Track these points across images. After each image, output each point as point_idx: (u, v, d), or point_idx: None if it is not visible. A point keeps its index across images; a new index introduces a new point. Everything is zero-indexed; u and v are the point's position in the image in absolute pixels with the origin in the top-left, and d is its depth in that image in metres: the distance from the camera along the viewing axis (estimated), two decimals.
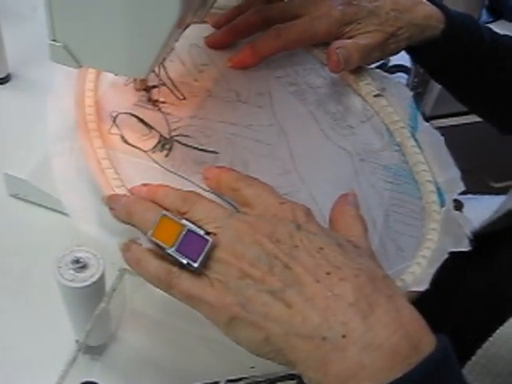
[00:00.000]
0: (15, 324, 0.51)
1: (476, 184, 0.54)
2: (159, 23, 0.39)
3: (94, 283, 0.43)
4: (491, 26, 1.05)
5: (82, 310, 0.46)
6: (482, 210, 0.89)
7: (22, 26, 0.79)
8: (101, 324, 0.44)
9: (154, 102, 0.51)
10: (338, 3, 0.57)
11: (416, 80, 1.10)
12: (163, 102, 0.51)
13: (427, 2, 0.60)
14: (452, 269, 0.44)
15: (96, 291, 0.44)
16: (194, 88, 0.53)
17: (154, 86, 0.52)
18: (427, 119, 1.26)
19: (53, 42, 0.42)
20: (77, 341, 0.48)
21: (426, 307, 0.40)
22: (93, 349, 0.48)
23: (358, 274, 0.34)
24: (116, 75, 0.49)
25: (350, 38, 0.56)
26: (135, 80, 0.51)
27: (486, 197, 1.00)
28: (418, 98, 1.13)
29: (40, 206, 0.59)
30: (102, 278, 0.44)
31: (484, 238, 0.52)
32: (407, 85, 0.96)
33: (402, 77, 0.95)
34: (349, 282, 0.34)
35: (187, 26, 0.47)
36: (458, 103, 0.69)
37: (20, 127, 0.65)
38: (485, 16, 1.21)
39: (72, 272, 0.43)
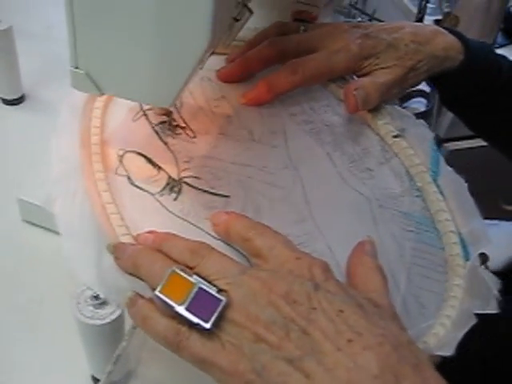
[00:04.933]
0: (29, 358, 0.49)
1: (489, 206, 0.52)
2: (188, 51, 0.38)
3: (113, 321, 0.41)
4: (506, 49, 1.03)
5: (100, 348, 0.44)
6: (505, 237, 0.86)
7: (37, 46, 0.78)
8: (121, 362, 0.42)
9: (175, 128, 0.49)
10: (356, 36, 0.54)
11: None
12: (183, 127, 0.49)
13: (446, 32, 0.58)
14: None
15: (116, 329, 0.43)
16: (205, 125, 0.51)
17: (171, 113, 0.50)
18: (441, 141, 1.24)
19: (74, 69, 0.41)
20: (93, 376, 0.47)
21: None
22: None
23: (381, 342, 0.32)
24: (131, 104, 0.48)
25: (368, 73, 0.54)
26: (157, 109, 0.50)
27: (504, 223, 0.97)
28: (433, 120, 1.11)
29: (55, 232, 0.56)
30: (122, 315, 0.42)
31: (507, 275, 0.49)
32: (427, 110, 0.93)
33: (421, 102, 0.92)
34: (372, 352, 0.31)
35: (212, 54, 0.45)
36: None
37: (34, 150, 0.62)
38: (500, 39, 1.19)
39: (91, 309, 0.42)
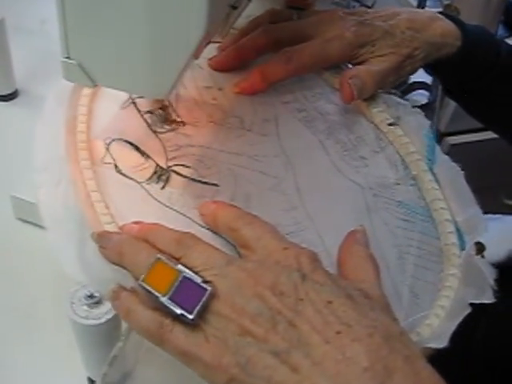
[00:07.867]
0: (23, 359, 0.48)
1: (490, 201, 0.51)
2: (182, 41, 0.36)
3: (109, 320, 0.40)
4: (507, 41, 1.02)
5: (96, 348, 0.43)
6: (506, 231, 0.85)
7: (30, 40, 0.77)
8: (117, 363, 0.41)
9: (172, 123, 0.48)
10: (351, 24, 0.53)
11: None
12: (181, 122, 0.48)
13: (443, 18, 0.57)
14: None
15: (111, 328, 0.41)
16: (195, 113, 0.50)
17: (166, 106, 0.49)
18: (443, 135, 1.22)
19: (66, 60, 0.40)
20: (89, 378, 0.46)
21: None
22: None
23: (371, 333, 0.31)
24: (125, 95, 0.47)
25: (363, 61, 0.53)
26: (150, 100, 0.48)
27: (506, 217, 0.96)
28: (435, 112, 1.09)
29: None
30: (117, 315, 0.41)
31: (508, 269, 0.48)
32: (430, 103, 0.91)
33: (423, 94, 0.91)
34: (362, 343, 0.30)
35: (208, 44, 0.43)
36: (473, 120, 0.67)
37: (28, 146, 0.61)
38: (501, 31, 1.18)
39: (86, 308, 0.41)
